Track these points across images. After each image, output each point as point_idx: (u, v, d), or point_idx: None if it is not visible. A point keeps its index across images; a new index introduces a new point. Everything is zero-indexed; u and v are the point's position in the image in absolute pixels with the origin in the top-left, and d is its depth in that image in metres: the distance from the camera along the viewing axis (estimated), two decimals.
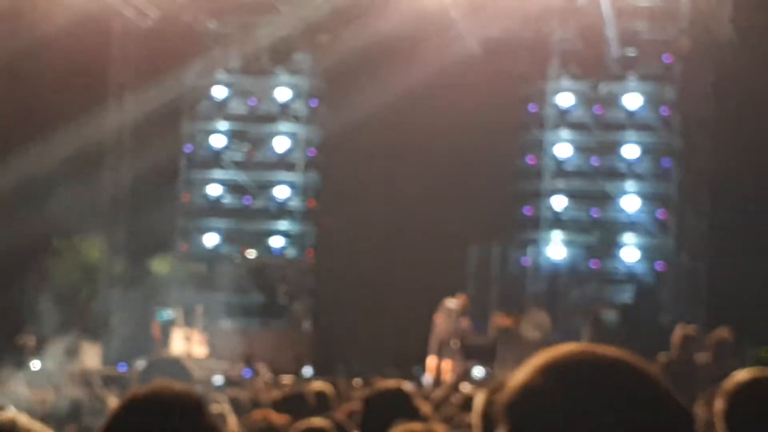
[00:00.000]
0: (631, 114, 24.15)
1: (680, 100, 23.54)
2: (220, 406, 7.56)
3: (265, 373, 19.77)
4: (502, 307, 21.15)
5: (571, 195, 24.27)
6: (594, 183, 24.26)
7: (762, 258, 20.58)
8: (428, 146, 22.57)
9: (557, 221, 24.28)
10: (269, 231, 25.70)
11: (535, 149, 24.59)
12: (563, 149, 24.43)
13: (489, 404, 6.00)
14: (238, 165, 25.89)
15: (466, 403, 7.75)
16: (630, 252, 23.98)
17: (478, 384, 13.01)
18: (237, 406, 9.01)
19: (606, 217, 24.15)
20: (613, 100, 24.26)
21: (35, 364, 18.80)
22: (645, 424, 1.79)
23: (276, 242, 25.67)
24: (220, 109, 25.96)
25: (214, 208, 25.86)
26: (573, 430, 1.77)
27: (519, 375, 1.84)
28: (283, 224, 25.70)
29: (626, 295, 23.70)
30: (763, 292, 19.76)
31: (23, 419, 2.87)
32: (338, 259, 24.03)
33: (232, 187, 25.88)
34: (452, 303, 20.00)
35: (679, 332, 14.09)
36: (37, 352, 19.87)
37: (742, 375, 3.97)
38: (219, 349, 21.07)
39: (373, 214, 23.03)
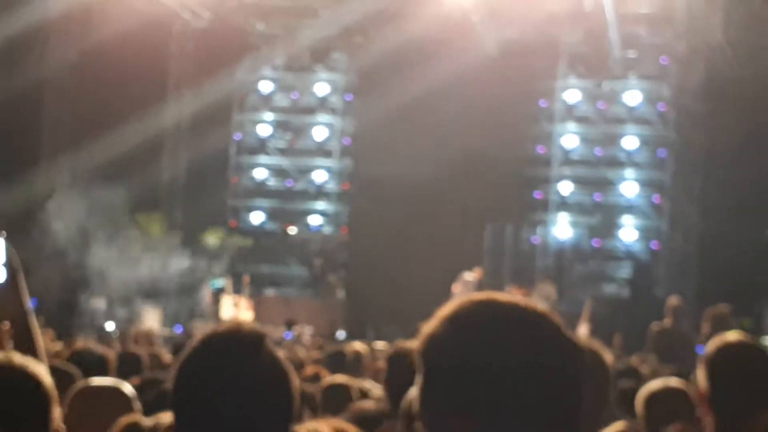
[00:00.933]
0: (631, 109, 24.07)
1: (675, 97, 23.41)
2: None
3: (303, 335, 19.90)
4: (515, 280, 21.18)
5: (577, 181, 24.23)
6: (597, 170, 24.21)
7: (746, 238, 20.57)
8: (450, 136, 22.56)
9: (564, 204, 24.26)
10: (308, 210, 25.75)
11: (544, 140, 24.56)
12: (570, 140, 24.39)
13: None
14: (282, 151, 25.94)
15: None
16: (628, 232, 23.95)
17: None
18: None
19: (607, 201, 24.10)
20: (615, 97, 24.17)
21: (109, 325, 18.91)
22: (539, 361, 1.79)
23: (314, 220, 25.72)
24: (266, 101, 26.01)
25: (260, 189, 25.94)
26: (475, 370, 1.78)
27: (428, 325, 1.89)
28: (321, 204, 25.77)
29: (625, 270, 23.68)
30: (746, 269, 19.75)
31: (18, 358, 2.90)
32: (369, 235, 24.05)
33: (276, 171, 25.93)
34: (470, 276, 20.06)
35: (671, 303, 14.15)
36: (108, 313, 20.05)
37: (719, 340, 3.87)
38: (263, 314, 21.19)
39: (400, 196, 23.02)
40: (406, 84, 22.21)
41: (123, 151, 22.05)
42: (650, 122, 24.02)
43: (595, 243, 24.01)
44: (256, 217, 25.75)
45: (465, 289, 19.88)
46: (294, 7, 23.73)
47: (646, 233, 23.82)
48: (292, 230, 25.32)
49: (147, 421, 3.61)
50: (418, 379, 1.87)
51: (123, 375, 8.02)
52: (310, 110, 25.87)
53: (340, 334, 20.62)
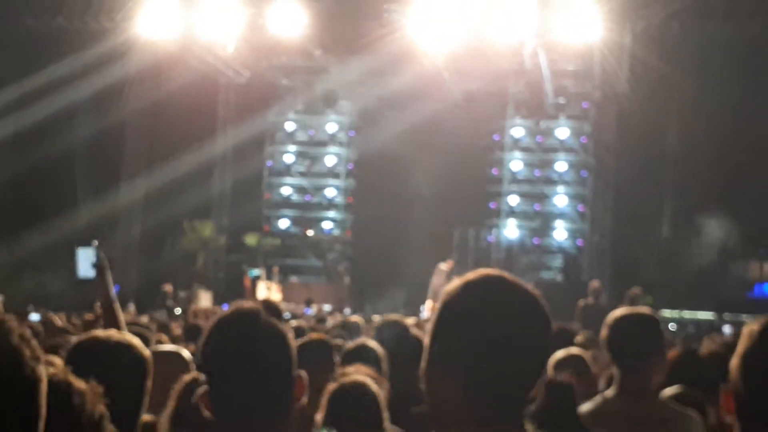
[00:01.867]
0: (561, 141, 24.03)
1: (593, 132, 23.44)
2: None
3: (318, 311, 19.84)
4: (475, 269, 21.16)
5: (521, 195, 24.18)
6: (536, 187, 24.16)
7: (646, 238, 20.58)
8: (428, 161, 22.53)
9: (512, 212, 24.19)
10: (322, 218, 25.63)
11: (497, 164, 24.50)
12: (516, 164, 24.34)
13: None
14: (302, 174, 25.83)
15: None
16: (560, 233, 23.90)
17: None
18: (299, 332, 9.16)
19: (544, 210, 24.03)
20: (549, 132, 24.12)
21: (177, 310, 18.78)
22: (524, 316, 1.79)
23: (327, 225, 25.61)
24: (290, 137, 25.92)
25: (286, 202, 25.84)
26: (478, 316, 1.76)
27: (449, 286, 1.85)
28: (331, 213, 25.65)
29: (558, 261, 23.67)
30: (647, 259, 19.76)
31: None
32: (367, 236, 23.95)
33: (298, 189, 25.84)
34: (444, 265, 20.00)
35: (592, 285, 14.13)
36: (173, 296, 20.01)
37: (618, 311, 3.84)
38: (288, 295, 21.13)
39: (391, 206, 23.01)
40: (395, 123, 22.25)
41: (184, 173, 22.05)
42: (575, 151, 24.00)
43: (536, 241, 23.95)
44: (283, 223, 25.63)
45: (440, 275, 19.86)
46: (310, 66, 23.71)
47: (573, 233, 23.80)
48: (310, 233, 25.25)
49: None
50: (433, 317, 1.83)
51: (189, 339, 8.00)
52: (323, 143, 25.80)
53: (347, 311, 20.56)
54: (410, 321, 10.75)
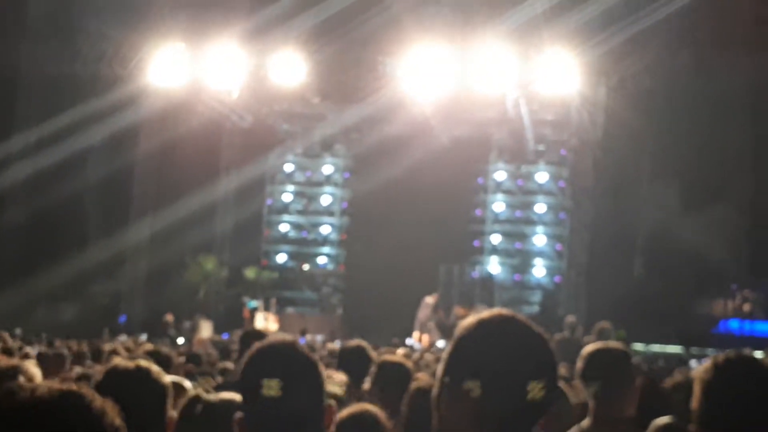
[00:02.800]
0: (540, 185, 24.13)
1: (571, 177, 23.53)
2: None
3: (313, 341, 19.71)
4: (460, 303, 21.10)
5: (503, 234, 24.21)
6: (517, 227, 24.21)
7: (619, 276, 20.56)
8: (417, 202, 22.56)
9: (494, 250, 24.22)
10: (317, 253, 25.61)
11: (481, 205, 24.55)
12: (498, 206, 24.40)
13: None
14: (299, 212, 25.84)
15: (435, 360, 7.93)
16: (539, 270, 23.91)
17: (440, 351, 12.97)
18: None
19: (524, 248, 24.07)
20: (529, 177, 24.23)
21: (180, 339, 18.66)
22: (530, 361, 1.81)
23: (321, 260, 25.60)
24: (289, 177, 25.95)
25: (284, 238, 25.81)
26: (487, 347, 1.81)
27: (464, 322, 1.90)
28: (326, 249, 25.61)
29: (536, 296, 23.68)
30: (619, 296, 19.75)
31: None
32: (359, 271, 23.95)
33: (295, 226, 25.83)
34: (429, 299, 19.97)
35: (568, 320, 14.13)
36: (174, 326, 19.88)
37: (590, 346, 3.92)
38: (285, 326, 20.95)
39: (381, 243, 22.97)
40: (387, 165, 22.30)
41: (189, 213, 22.00)
42: (554, 194, 24.09)
43: (516, 277, 23.96)
44: (281, 258, 25.56)
45: (425, 308, 19.82)
46: (309, 113, 23.86)
47: (551, 270, 23.81)
48: (306, 267, 25.23)
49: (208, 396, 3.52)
50: (447, 351, 1.88)
51: (189, 366, 7.99)
52: (320, 184, 25.84)
53: (337, 342, 20.42)
54: (401, 352, 10.78)
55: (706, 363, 2.02)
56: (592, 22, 18.54)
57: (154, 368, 2.82)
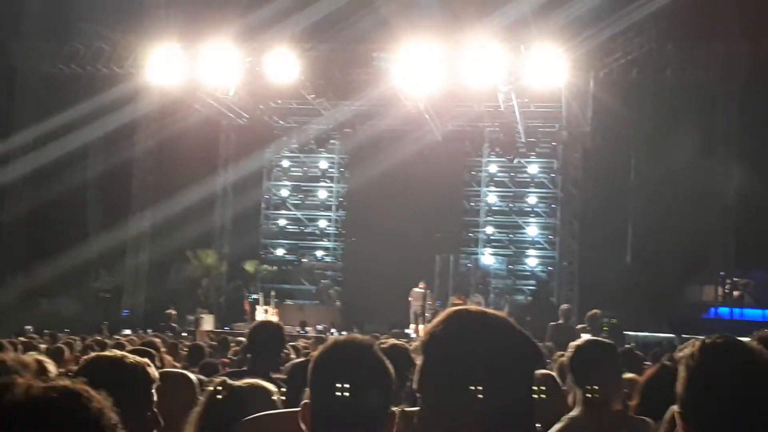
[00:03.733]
0: (532, 177, 24.25)
1: (561, 168, 23.54)
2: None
3: (312, 332, 19.72)
4: (455, 293, 21.08)
5: (496, 225, 24.31)
6: (510, 218, 24.29)
7: (610, 264, 20.60)
8: (411, 195, 22.58)
9: (488, 241, 24.32)
10: (315, 246, 25.66)
11: (474, 198, 24.62)
12: (491, 198, 24.49)
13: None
14: (296, 207, 25.90)
15: None
16: (532, 260, 24.02)
17: None
18: (296, 351, 9.21)
19: (517, 239, 24.17)
20: (521, 169, 24.31)
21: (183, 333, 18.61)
22: (508, 356, 1.74)
23: (319, 253, 25.66)
24: (285, 173, 25.99)
25: (282, 232, 25.87)
26: (460, 359, 1.72)
27: (428, 326, 1.81)
28: (323, 242, 25.69)
29: (530, 285, 23.72)
30: (611, 284, 19.78)
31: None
32: (356, 263, 23.95)
33: (293, 220, 25.87)
34: (418, 288, 19.94)
35: (562, 308, 14.13)
36: (177, 320, 19.86)
37: (579, 341, 3.94)
38: (284, 318, 20.88)
39: (377, 236, 22.98)
40: (381, 160, 22.30)
41: (187, 207, 21.98)
42: (545, 185, 24.15)
43: (510, 267, 24.03)
44: (279, 251, 25.63)
45: (417, 298, 19.82)
46: (304, 109, 23.79)
47: (544, 260, 23.88)
48: (304, 260, 25.24)
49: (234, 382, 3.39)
50: (419, 362, 1.79)
51: (193, 358, 7.99)
52: (316, 179, 25.87)
53: (334, 332, 20.42)
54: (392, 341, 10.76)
55: (691, 346, 1.98)
56: (580, 18, 18.54)
57: (132, 358, 2.78)
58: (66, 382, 1.45)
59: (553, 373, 5.08)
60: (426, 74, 18.84)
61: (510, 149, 23.77)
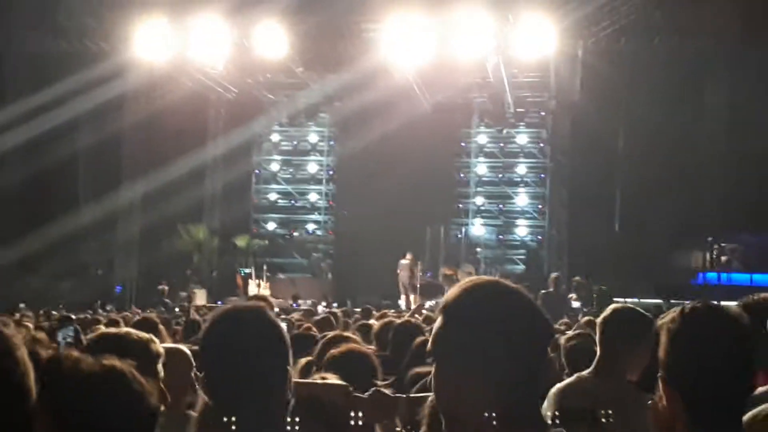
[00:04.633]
0: (521, 147, 24.21)
1: (550, 138, 23.55)
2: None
3: (304, 305, 19.73)
4: (446, 263, 21.18)
5: (486, 196, 24.31)
6: (500, 189, 24.29)
7: (599, 232, 20.66)
8: (401, 167, 22.41)
9: (478, 211, 24.32)
10: (306, 220, 25.62)
11: (464, 169, 24.60)
12: (481, 168, 24.47)
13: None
14: (287, 180, 25.82)
15: (425, 320, 7.89)
16: (522, 229, 24.06)
17: (430, 310, 12.98)
18: (288, 325, 9.12)
19: (507, 209, 24.18)
20: (510, 139, 24.26)
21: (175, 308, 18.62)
22: (524, 327, 1.74)
23: (310, 227, 25.62)
24: (275, 147, 25.89)
25: (273, 206, 25.80)
26: (477, 324, 1.73)
27: (451, 290, 1.83)
28: (314, 216, 25.64)
29: (520, 254, 23.77)
30: (600, 251, 19.83)
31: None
32: (347, 236, 23.93)
33: (283, 194, 25.80)
34: (405, 260, 20.01)
35: (552, 276, 14.17)
36: (168, 294, 19.83)
37: (606, 311, 3.83)
38: (277, 291, 20.98)
39: (368, 208, 22.93)
40: (370, 132, 22.17)
41: (177, 180, 21.85)
42: (534, 155, 24.13)
43: (500, 237, 24.02)
44: (271, 226, 25.57)
45: (404, 269, 19.89)
46: (292, 82, 23.61)
47: (534, 229, 23.92)
48: (296, 234, 25.20)
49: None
50: (435, 325, 1.80)
51: (189, 333, 7.89)
52: (305, 152, 25.75)
53: (323, 304, 20.43)
54: (392, 314, 10.71)
55: (673, 312, 2.00)
56: None
57: (137, 333, 2.79)
58: (114, 360, 1.53)
59: None
60: (414, 45, 18.67)
61: (499, 119, 23.67)
